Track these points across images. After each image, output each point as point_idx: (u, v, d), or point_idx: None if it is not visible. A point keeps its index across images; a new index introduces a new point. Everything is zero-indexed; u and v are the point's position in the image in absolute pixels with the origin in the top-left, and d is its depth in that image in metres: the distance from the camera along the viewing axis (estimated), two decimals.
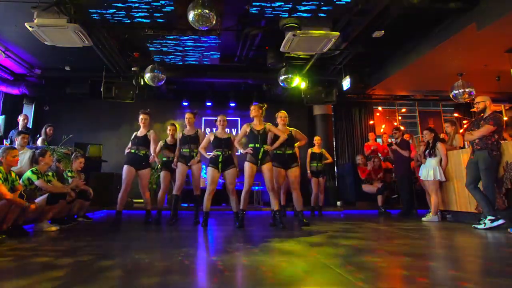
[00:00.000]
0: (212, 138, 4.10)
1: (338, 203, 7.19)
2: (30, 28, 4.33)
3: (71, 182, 4.18)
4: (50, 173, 3.80)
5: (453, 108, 9.64)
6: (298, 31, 4.65)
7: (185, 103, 8.47)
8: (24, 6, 4.35)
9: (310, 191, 5.88)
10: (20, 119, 5.91)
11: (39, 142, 5.87)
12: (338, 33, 4.76)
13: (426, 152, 4.74)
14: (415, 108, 9.85)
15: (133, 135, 4.29)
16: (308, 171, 5.77)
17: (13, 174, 3.17)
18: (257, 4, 4.55)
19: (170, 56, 6.54)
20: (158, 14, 4.83)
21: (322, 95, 7.28)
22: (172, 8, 4.64)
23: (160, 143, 4.67)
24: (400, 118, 9.84)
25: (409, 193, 5.73)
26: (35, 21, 4.28)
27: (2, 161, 3.07)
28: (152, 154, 4.23)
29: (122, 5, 4.56)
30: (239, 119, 8.97)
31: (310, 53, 5.79)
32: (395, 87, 8.01)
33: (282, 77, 6.57)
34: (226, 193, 4.21)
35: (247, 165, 3.85)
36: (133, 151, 4.17)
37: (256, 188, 7.49)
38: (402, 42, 6.10)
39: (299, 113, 8.65)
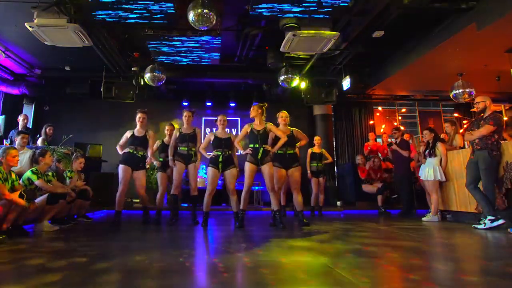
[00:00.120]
0: (212, 138, 4.09)
1: (338, 203, 7.19)
2: (30, 28, 4.33)
3: (69, 182, 4.18)
4: (50, 173, 3.80)
5: (453, 108, 9.65)
6: (298, 31, 4.65)
7: (185, 103, 8.45)
8: (24, 6, 4.35)
9: (310, 191, 5.87)
10: (20, 119, 5.91)
11: (39, 142, 5.86)
12: (338, 33, 4.76)
13: (426, 152, 4.74)
14: (415, 108, 9.84)
15: (130, 134, 4.21)
16: (308, 171, 5.76)
17: (13, 174, 3.17)
18: (260, 6, 4.55)
19: (170, 56, 6.54)
20: (158, 16, 4.83)
21: (322, 95, 7.29)
22: (172, 7, 4.63)
23: (157, 143, 4.66)
24: (400, 118, 9.84)
25: (409, 193, 5.73)
26: (35, 21, 4.28)
27: (2, 161, 3.07)
28: (149, 156, 4.20)
29: (122, 5, 4.55)
30: (239, 119, 8.97)
31: (310, 53, 5.79)
32: (395, 87, 8.02)
33: (282, 77, 6.57)
34: (226, 193, 4.21)
35: (247, 165, 3.85)
36: (131, 151, 4.12)
37: (256, 188, 7.48)
38: (402, 42, 6.10)
39: (299, 113, 8.61)
